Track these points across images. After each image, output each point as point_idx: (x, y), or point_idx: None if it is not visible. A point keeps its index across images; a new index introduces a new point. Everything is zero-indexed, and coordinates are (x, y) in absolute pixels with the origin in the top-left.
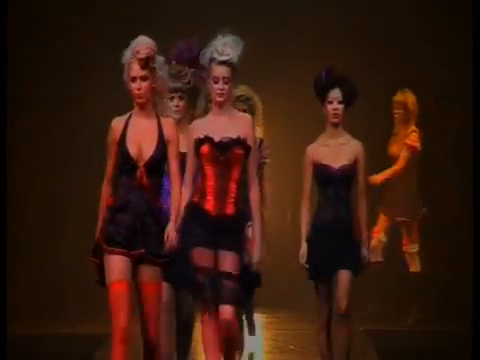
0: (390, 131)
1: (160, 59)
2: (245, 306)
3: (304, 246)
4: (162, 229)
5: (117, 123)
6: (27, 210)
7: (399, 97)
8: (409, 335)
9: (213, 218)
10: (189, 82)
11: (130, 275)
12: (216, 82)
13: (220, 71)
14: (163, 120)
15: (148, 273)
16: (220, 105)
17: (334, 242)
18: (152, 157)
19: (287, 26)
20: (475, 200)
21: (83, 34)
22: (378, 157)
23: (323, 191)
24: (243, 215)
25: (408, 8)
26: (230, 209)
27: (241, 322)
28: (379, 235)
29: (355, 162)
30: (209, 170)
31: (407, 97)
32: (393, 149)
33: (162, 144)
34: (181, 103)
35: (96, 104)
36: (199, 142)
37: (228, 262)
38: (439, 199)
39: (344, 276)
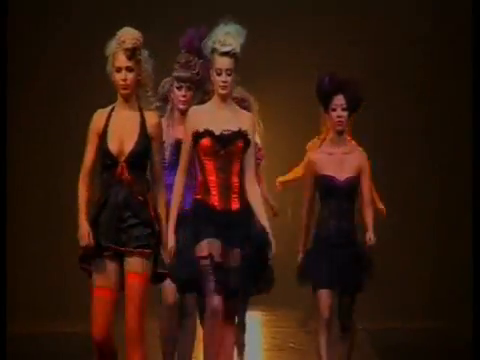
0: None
1: (145, 52)
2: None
3: (299, 260)
4: (142, 222)
5: (99, 115)
6: (26, 209)
7: None
8: (406, 332)
9: (219, 213)
10: (198, 73)
11: (115, 280)
12: (219, 74)
13: (223, 63)
14: (146, 113)
15: (129, 263)
16: (223, 97)
17: (337, 254)
18: (132, 152)
19: (287, 24)
20: (475, 200)
21: (82, 33)
22: (381, 157)
23: (326, 203)
24: (249, 210)
25: (408, 8)
26: (235, 204)
27: (242, 322)
28: None
29: (359, 173)
30: (209, 164)
31: None
32: None
33: (144, 138)
34: (188, 94)
35: (95, 102)
36: (198, 135)
37: (236, 258)
38: (437, 199)
39: (348, 299)
